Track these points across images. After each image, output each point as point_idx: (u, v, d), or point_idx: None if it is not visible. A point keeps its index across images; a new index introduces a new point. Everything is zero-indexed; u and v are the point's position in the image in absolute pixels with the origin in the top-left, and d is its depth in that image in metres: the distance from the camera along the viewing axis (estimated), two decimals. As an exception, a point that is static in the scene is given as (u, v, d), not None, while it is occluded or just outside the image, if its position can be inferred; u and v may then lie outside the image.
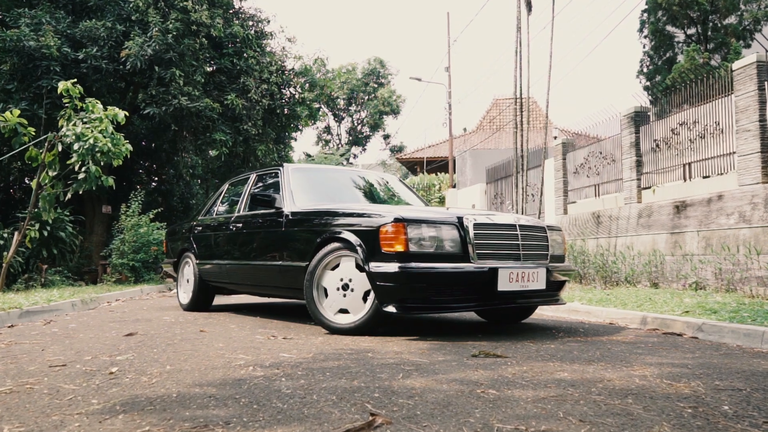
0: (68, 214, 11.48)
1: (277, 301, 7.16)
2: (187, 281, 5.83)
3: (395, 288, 3.41)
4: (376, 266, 3.47)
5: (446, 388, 2.10)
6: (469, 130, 29.20)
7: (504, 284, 3.53)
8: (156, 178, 17.16)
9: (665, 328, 4.04)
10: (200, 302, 5.64)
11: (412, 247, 3.43)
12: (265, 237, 4.61)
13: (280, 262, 4.31)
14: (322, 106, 30.74)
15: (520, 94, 9.86)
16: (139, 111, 12.52)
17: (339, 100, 34.28)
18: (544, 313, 5.39)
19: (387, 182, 5.40)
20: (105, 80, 11.96)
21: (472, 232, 3.54)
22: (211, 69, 13.90)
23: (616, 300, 5.66)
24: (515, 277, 3.58)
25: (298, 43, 22.19)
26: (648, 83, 13.36)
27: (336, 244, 3.79)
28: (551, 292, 3.98)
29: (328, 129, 38.10)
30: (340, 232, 3.76)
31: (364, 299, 3.67)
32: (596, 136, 11.25)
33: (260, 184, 5.15)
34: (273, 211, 4.55)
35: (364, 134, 37.52)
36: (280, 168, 4.88)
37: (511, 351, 3.00)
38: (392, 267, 3.39)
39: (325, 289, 3.83)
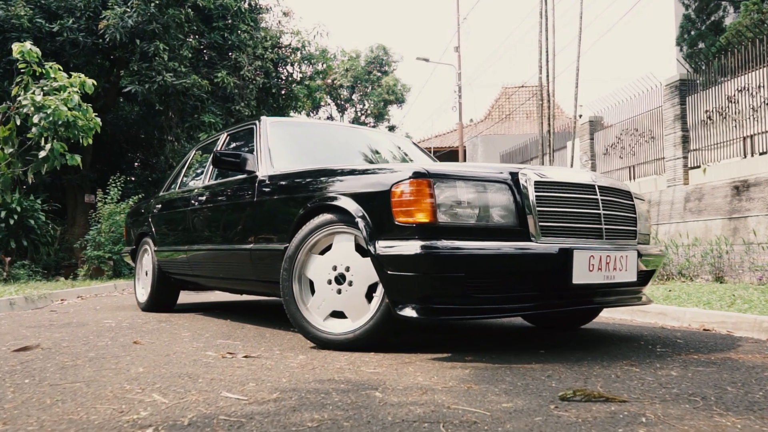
0: (41, 202, 10.32)
1: (264, 300, 5.95)
2: (146, 274, 4.62)
3: (416, 280, 2.20)
4: (386, 247, 2.25)
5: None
6: (477, 120, 27.90)
7: (581, 274, 2.30)
8: (148, 169, 15.95)
9: (799, 338, 2.81)
10: (160, 300, 4.43)
11: (442, 217, 2.21)
12: (232, 212, 3.40)
13: (250, 246, 3.10)
14: (325, 95, 29.49)
15: (546, 62, 8.61)
16: (124, 91, 11.30)
17: (342, 89, 32.96)
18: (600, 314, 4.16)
19: (398, 145, 4.17)
20: (84, 56, 10.76)
21: (532, 195, 2.32)
22: (200, 46, 12.68)
23: (689, 297, 4.43)
24: (597, 264, 2.36)
25: (295, 17, 20.87)
26: (689, 51, 12.00)
27: (327, 216, 2.57)
28: (637, 287, 2.76)
29: (330, 120, 36.86)
30: (333, 198, 2.55)
31: (368, 297, 2.46)
32: (608, 125, 10.00)
33: (232, 145, 3.93)
34: (244, 176, 3.34)
35: (368, 125, 36.27)
36: (257, 122, 3.66)
37: (619, 386, 1.77)
38: (411, 247, 2.17)
39: (311, 282, 2.61)
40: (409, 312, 2.22)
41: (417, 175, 2.25)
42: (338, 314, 2.53)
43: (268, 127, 3.54)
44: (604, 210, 2.50)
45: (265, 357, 2.32)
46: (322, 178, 2.74)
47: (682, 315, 3.69)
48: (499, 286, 2.27)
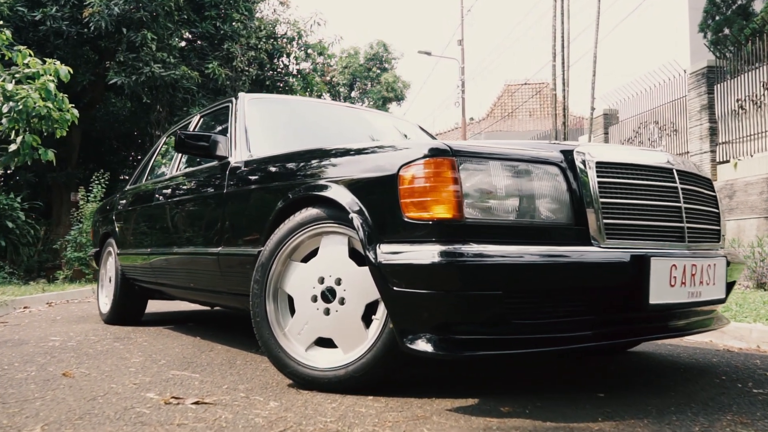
0: (22, 200, 9.72)
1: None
2: (110, 280, 3.98)
3: (433, 300, 1.56)
4: (391, 253, 1.61)
5: None
6: (478, 118, 27.27)
7: (661, 290, 1.66)
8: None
9: None
10: (124, 312, 3.78)
11: (471, 212, 1.57)
12: (199, 207, 2.76)
13: (219, 250, 2.46)
14: (324, 90, 28.80)
15: (562, 48, 7.98)
16: (110, 84, 10.66)
17: (340, 87, 32.30)
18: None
19: (405, 133, 3.52)
20: (69, 46, 10.13)
21: (594, 182, 1.68)
22: (190, 36, 12.04)
23: (740, 310, 3.80)
24: (680, 276, 1.72)
25: (292, 6, 20.09)
26: (714, 37, 11.34)
27: (313, 211, 1.93)
28: (717, 306, 2.12)
29: (329, 118, 35.99)
30: (321, 187, 1.91)
31: (366, 320, 1.82)
32: (624, 119, 9.34)
33: (217, 129, 3.29)
34: (214, 164, 2.70)
35: (368, 124, 35.36)
36: (233, 100, 3.02)
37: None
38: (427, 253, 1.53)
39: (290, 299, 1.97)
40: (422, 345, 1.58)
41: (435, 152, 1.61)
42: (326, 342, 1.89)
43: (246, 105, 2.90)
44: (685, 203, 1.86)
45: (223, 404, 1.68)
46: (308, 162, 2.10)
47: (747, 334, 3.05)
48: (549, 308, 1.63)
